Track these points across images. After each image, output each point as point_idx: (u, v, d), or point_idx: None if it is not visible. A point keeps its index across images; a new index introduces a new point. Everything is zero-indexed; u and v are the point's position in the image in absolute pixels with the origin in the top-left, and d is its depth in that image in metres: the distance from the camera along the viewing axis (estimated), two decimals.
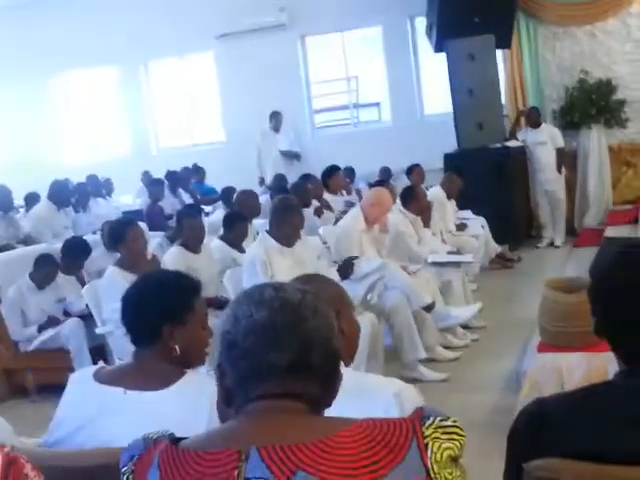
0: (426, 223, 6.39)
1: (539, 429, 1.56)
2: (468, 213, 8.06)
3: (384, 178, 8.58)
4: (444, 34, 8.92)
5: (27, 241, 7.09)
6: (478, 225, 7.80)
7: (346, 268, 4.94)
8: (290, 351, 1.23)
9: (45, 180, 7.97)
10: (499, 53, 9.48)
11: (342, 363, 1.84)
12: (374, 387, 1.81)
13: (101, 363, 2.26)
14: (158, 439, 1.27)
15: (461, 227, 7.55)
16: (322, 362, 1.25)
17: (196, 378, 2.10)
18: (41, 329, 5.43)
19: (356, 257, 5.05)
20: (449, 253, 6.25)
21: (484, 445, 3.19)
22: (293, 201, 5.00)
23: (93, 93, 13.20)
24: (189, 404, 1.94)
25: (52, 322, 5.42)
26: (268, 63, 11.22)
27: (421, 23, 10.46)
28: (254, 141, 10.93)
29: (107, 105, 13.10)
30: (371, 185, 7.25)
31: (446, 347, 5.40)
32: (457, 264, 6.06)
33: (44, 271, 5.52)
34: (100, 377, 2.13)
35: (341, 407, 1.30)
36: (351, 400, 1.46)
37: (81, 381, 2.17)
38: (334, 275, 4.91)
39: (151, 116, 12.72)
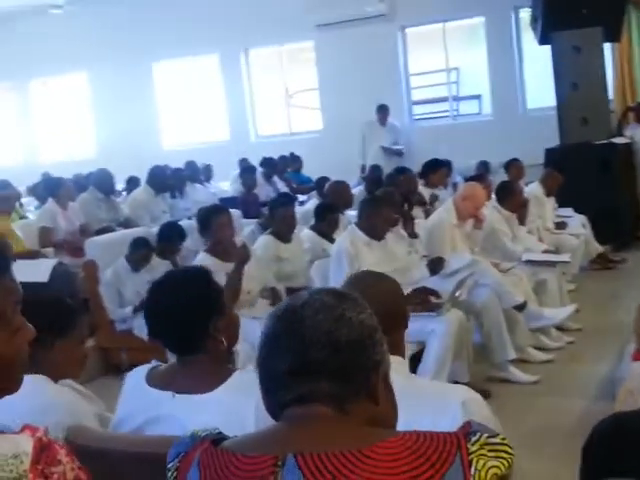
0: (522, 220, 6.21)
1: (614, 446, 1.47)
2: (569, 211, 7.80)
3: (481, 172, 8.40)
4: (549, 26, 8.64)
5: (126, 224, 7.29)
6: (579, 224, 7.54)
7: (436, 264, 4.86)
8: (289, 355, 1.21)
9: (145, 165, 8.18)
10: (607, 46, 9.12)
11: (405, 368, 1.80)
12: (442, 393, 1.75)
13: (154, 362, 2.22)
14: (205, 437, 1.27)
15: (560, 225, 7.32)
16: (325, 357, 1.20)
17: (245, 377, 2.05)
18: (136, 311, 5.57)
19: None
20: (545, 252, 6.07)
21: (570, 452, 3.06)
22: (387, 194, 4.97)
23: (194, 80, 13.49)
24: (237, 405, 1.91)
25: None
26: (367, 53, 11.17)
27: (525, 14, 10.20)
28: (352, 131, 10.91)
29: (208, 92, 13.35)
30: (467, 179, 7.11)
31: (539, 348, 5.25)
32: (553, 263, 5.87)
33: (139, 253, 5.66)
34: (151, 379, 2.12)
35: (405, 412, 1.26)
36: (416, 406, 1.42)
37: (135, 382, 2.16)
38: (423, 270, 4.86)
39: (250, 103, 12.88)
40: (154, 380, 2.09)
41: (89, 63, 13.23)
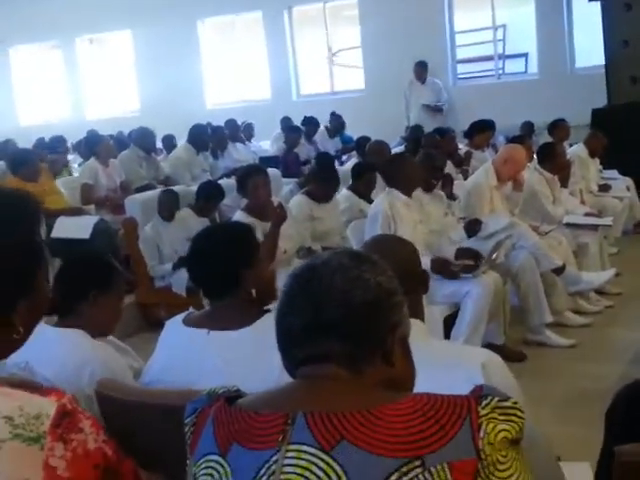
0: (564, 182, 6.09)
1: (635, 411, 1.46)
2: (614, 173, 7.62)
3: (524, 133, 8.26)
4: None
5: (167, 182, 7.35)
6: (623, 186, 7.37)
7: (473, 225, 4.82)
8: (303, 313, 1.22)
9: (188, 123, 8.20)
10: None
11: (425, 331, 1.80)
12: (461, 356, 1.74)
13: (191, 309, 2.39)
14: (222, 394, 1.28)
15: (604, 188, 7.16)
16: (339, 317, 1.20)
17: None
18: (175, 267, 5.64)
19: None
20: (587, 215, 5.96)
21: (603, 417, 3.06)
22: (427, 156, 4.94)
23: (237, 38, 13.44)
24: (266, 341, 2.02)
25: (183, 262, 5.61)
26: (412, 11, 10.99)
27: None
28: (394, 90, 10.80)
29: (250, 50, 13.30)
30: (509, 141, 6.99)
31: (577, 312, 5.19)
32: (594, 227, 5.77)
33: (164, 205, 5.73)
34: (188, 321, 2.29)
35: (423, 375, 1.26)
36: (434, 369, 1.42)
37: (172, 326, 2.32)
38: (460, 232, 4.82)
39: (292, 62, 12.79)
40: (190, 322, 2.27)
41: (134, 21, 13.26)
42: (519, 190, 5.38)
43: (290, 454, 1.13)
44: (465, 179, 6.09)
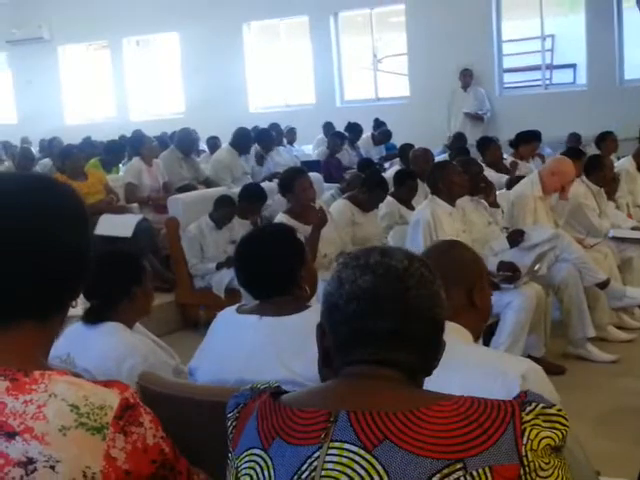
0: (610, 196, 6.00)
1: None
2: None
3: (572, 145, 8.13)
4: None
5: (207, 183, 7.40)
6: None
7: (516, 236, 4.76)
8: (391, 319, 1.21)
9: (231, 125, 8.24)
10: None
11: (469, 337, 1.79)
12: (501, 365, 1.72)
13: (244, 299, 2.45)
14: (264, 390, 1.30)
15: None
16: (423, 332, 1.23)
17: None
18: (219, 267, 5.67)
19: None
20: (634, 229, 5.85)
21: None
22: (468, 163, 4.90)
23: (283, 42, 13.49)
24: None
25: (229, 262, 5.62)
26: (460, 18, 10.94)
27: None
28: (439, 98, 10.76)
29: (295, 54, 13.35)
30: (562, 154, 6.89)
31: (619, 327, 5.10)
32: None
33: (223, 211, 5.75)
34: (240, 310, 2.35)
35: (462, 378, 1.24)
36: (474, 373, 1.40)
37: (225, 314, 2.39)
38: (502, 242, 4.76)
39: (337, 67, 12.80)
40: (242, 311, 2.34)
41: (181, 23, 13.39)
42: (565, 199, 5.30)
43: (332, 451, 1.14)
44: (509, 189, 6.02)
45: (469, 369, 1.31)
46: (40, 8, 14.63)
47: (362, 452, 1.12)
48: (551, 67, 11.57)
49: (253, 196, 5.87)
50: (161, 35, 14.46)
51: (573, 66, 11.55)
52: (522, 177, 5.65)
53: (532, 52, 11.53)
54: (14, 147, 11.35)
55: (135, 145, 7.71)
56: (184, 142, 7.63)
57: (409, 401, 1.17)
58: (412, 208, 5.32)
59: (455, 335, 1.32)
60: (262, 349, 2.16)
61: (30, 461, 1.13)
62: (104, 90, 15.24)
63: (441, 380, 1.30)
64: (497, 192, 5.43)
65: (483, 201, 5.07)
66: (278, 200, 6.26)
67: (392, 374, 1.21)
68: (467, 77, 10.75)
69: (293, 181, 4.75)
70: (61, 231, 1.24)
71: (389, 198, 5.57)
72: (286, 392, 1.29)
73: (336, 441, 1.14)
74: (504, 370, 1.65)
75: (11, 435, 1.14)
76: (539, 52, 11.46)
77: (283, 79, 13.49)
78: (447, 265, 1.78)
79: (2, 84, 16.26)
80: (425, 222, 4.46)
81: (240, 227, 5.82)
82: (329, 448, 1.14)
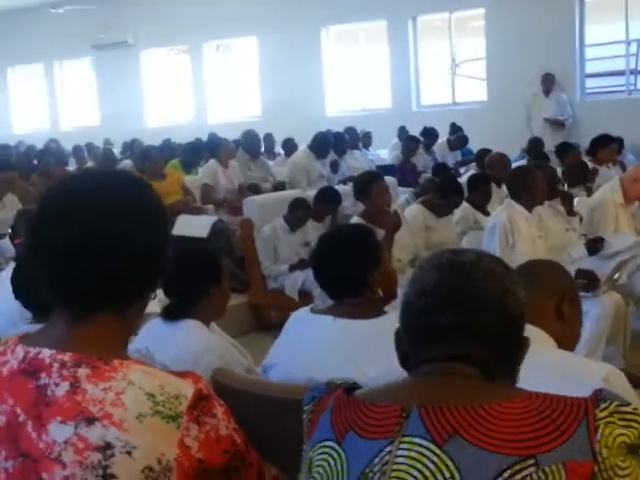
0: None
1: None
2: None
3: None
4: None
5: (277, 185, 7.47)
6: None
7: (595, 243, 4.64)
8: (454, 313, 1.20)
9: (308, 129, 8.30)
10: None
11: (552, 343, 1.75)
12: (582, 370, 1.68)
13: (317, 301, 2.46)
14: (340, 385, 1.31)
15: None
16: (492, 325, 1.21)
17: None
18: (292, 269, 5.71)
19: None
20: None
21: None
22: (543, 168, 4.81)
23: (361, 46, 13.50)
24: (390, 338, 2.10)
25: (302, 264, 5.65)
26: (541, 23, 10.74)
27: None
28: (517, 103, 10.58)
29: (373, 58, 13.34)
30: None
31: None
32: None
33: (298, 214, 5.79)
34: (314, 310, 2.39)
35: (541, 382, 1.23)
36: (554, 380, 1.38)
37: (299, 314, 2.43)
38: (580, 249, 4.65)
39: (414, 72, 12.73)
40: (316, 311, 2.37)
41: (260, 27, 13.55)
42: None
43: (403, 445, 1.15)
44: (589, 196, 5.88)
45: (549, 372, 1.30)
46: (126, 14, 15.05)
47: (432, 447, 1.12)
48: (635, 72, 11.24)
49: (329, 197, 5.90)
50: (240, 40, 14.66)
51: None
52: None
53: (616, 57, 11.23)
54: (97, 148, 11.72)
55: (212, 147, 7.85)
56: (250, 145, 7.76)
57: (480, 396, 1.16)
58: (487, 214, 5.25)
59: (534, 336, 1.30)
60: (335, 349, 2.18)
61: (108, 446, 1.16)
62: (183, 93, 15.54)
63: (520, 382, 1.28)
64: (575, 199, 5.32)
65: (560, 207, 4.97)
66: (350, 204, 6.28)
67: (465, 370, 1.21)
68: (549, 82, 10.53)
69: (370, 185, 4.75)
70: (141, 229, 1.27)
71: (464, 203, 5.51)
72: (360, 388, 1.30)
73: (407, 435, 1.15)
74: (585, 373, 1.64)
75: (91, 421, 1.17)
76: (623, 57, 11.16)
77: (360, 83, 13.50)
78: (539, 272, 1.79)
79: (87, 87, 16.77)
80: (502, 226, 4.39)
81: (314, 230, 5.84)
82: (400, 442, 1.15)
